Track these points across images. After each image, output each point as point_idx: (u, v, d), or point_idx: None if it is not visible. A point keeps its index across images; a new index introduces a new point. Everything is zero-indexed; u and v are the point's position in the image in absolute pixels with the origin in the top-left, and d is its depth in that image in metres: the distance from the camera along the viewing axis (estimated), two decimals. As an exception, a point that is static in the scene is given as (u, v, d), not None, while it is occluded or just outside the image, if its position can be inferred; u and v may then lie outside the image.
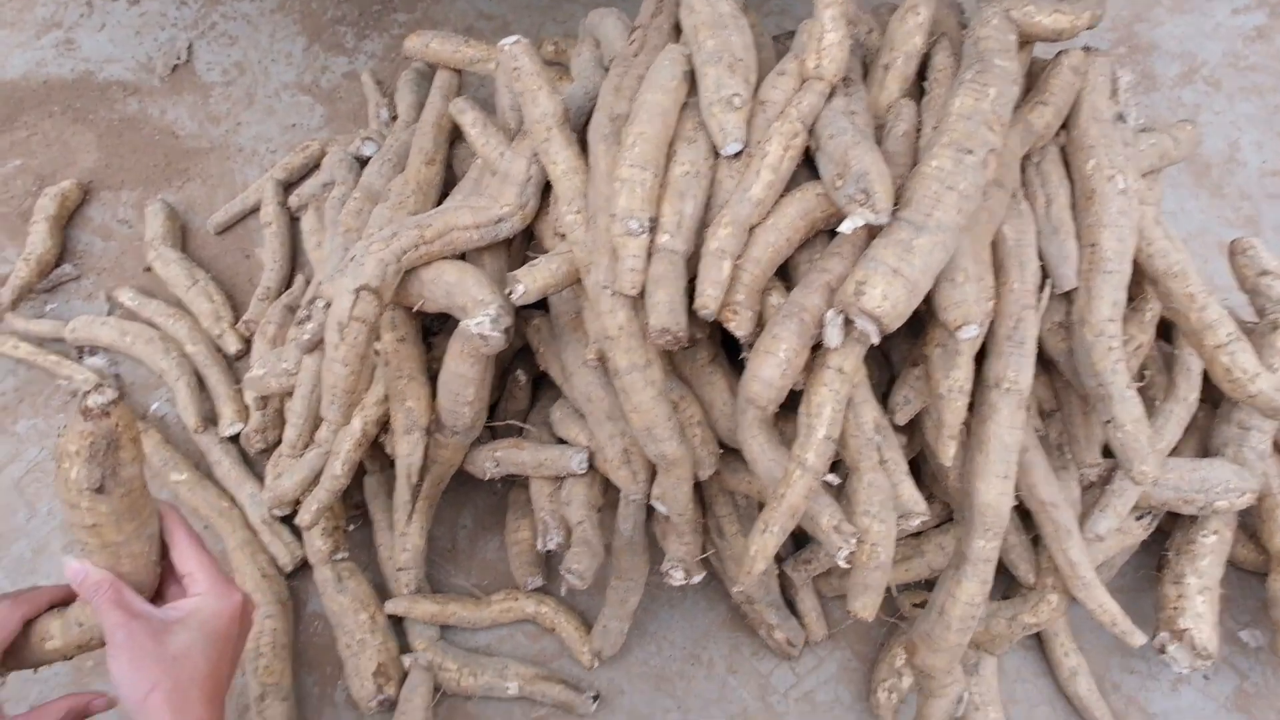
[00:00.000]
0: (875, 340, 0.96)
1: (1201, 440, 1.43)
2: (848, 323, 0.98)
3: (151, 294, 1.76)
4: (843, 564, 1.05)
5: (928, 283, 0.95)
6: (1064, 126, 1.21)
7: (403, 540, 1.32)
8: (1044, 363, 1.31)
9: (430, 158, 1.42)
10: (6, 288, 1.74)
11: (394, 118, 1.87)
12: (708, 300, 0.99)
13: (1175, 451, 1.41)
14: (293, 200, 1.83)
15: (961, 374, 1.06)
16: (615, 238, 1.01)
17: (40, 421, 1.66)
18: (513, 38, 1.16)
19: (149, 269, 1.80)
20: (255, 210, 1.86)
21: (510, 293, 1.14)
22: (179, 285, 1.74)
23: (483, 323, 1.14)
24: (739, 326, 1.02)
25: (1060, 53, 1.20)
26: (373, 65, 2.04)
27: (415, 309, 1.25)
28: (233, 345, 1.69)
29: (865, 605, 1.08)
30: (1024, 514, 1.30)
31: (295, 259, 1.81)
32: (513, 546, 1.49)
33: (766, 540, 1.00)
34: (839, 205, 0.99)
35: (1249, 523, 1.45)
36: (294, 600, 1.48)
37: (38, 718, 0.90)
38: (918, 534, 1.39)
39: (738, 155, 1.08)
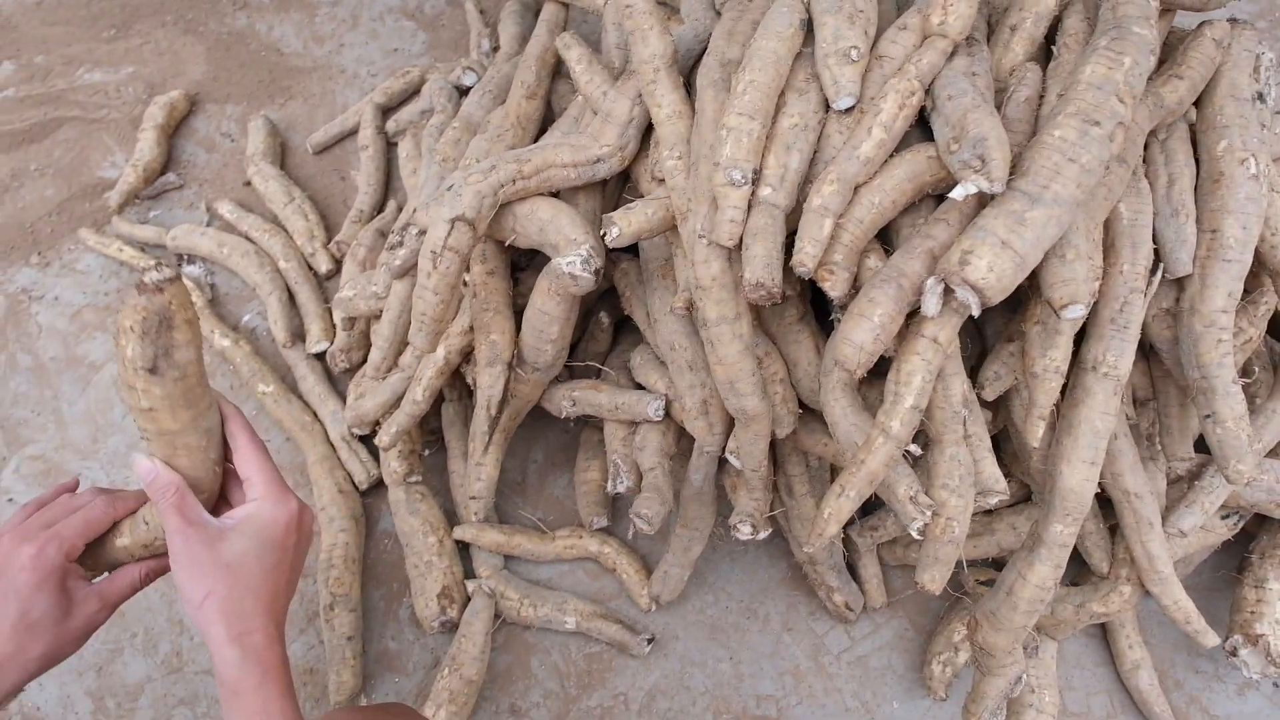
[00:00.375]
0: (975, 312, 0.93)
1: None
2: (948, 292, 0.95)
3: (249, 208, 1.80)
4: (915, 535, 1.03)
5: (1037, 257, 0.92)
6: (1197, 103, 1.15)
7: (477, 470, 1.34)
8: (1143, 349, 1.27)
9: (532, 92, 1.41)
10: (115, 192, 1.80)
11: (495, 49, 1.86)
12: (806, 258, 0.97)
13: (1273, 453, 1.36)
14: (390, 125, 1.84)
15: (1059, 354, 1.02)
16: (717, 187, 1.00)
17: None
18: (628, -27, 1.14)
19: (248, 183, 1.84)
20: (353, 133, 1.88)
21: (604, 234, 1.14)
22: (276, 202, 1.78)
23: (574, 262, 1.14)
24: (834, 287, 1.01)
25: (1203, 23, 1.14)
26: (477, -6, 2.04)
27: (507, 243, 1.25)
28: (324, 264, 1.72)
29: (934, 578, 1.06)
30: (1104, 501, 1.27)
31: (389, 184, 1.83)
32: (581, 485, 1.51)
33: (841, 504, 0.99)
34: (951, 170, 0.96)
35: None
36: (366, 517, 1.52)
37: (116, 581, 0.92)
38: (989, 512, 1.37)
39: (849, 110, 1.05)
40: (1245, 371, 1.36)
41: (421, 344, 1.24)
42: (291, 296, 1.71)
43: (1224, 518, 1.33)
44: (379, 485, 1.55)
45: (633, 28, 1.13)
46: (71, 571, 0.87)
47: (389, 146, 1.85)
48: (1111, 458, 1.18)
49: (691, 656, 1.44)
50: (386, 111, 1.88)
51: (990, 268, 0.90)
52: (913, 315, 1.01)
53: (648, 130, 1.23)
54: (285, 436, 1.61)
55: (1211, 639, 1.24)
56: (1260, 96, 1.17)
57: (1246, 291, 1.26)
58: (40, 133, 1.92)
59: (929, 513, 1.03)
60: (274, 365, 1.66)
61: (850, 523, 1.42)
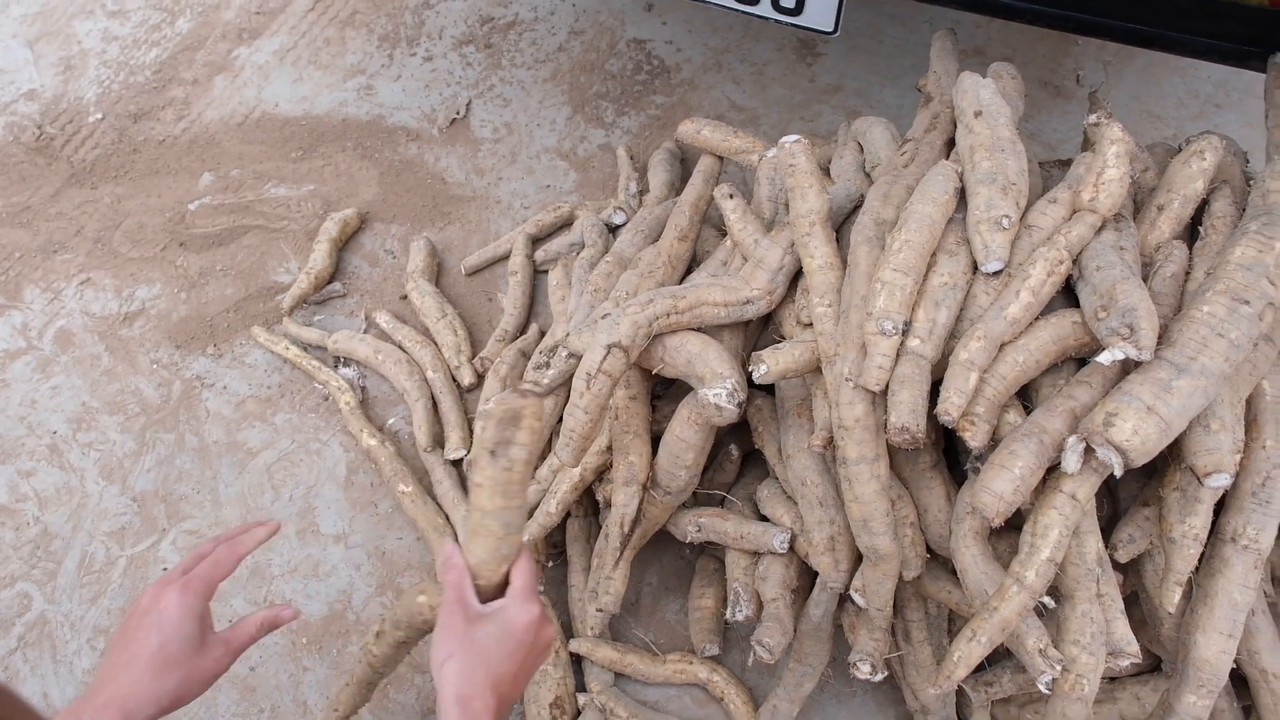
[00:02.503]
0: (1118, 473, 0.96)
1: None
2: (1089, 451, 0.99)
3: (404, 320, 1.95)
4: (1044, 689, 1.04)
5: (1182, 425, 0.96)
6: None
7: (607, 583, 1.39)
8: (1282, 527, 1.26)
9: (685, 234, 1.52)
10: (287, 295, 1.97)
11: (642, 192, 2.00)
12: (951, 407, 1.02)
13: None
14: (539, 254, 1.98)
15: (1199, 521, 1.04)
16: (868, 335, 1.07)
17: (295, 417, 1.86)
18: (793, 136, 1.26)
19: (405, 297, 1.99)
20: (504, 258, 2.03)
21: (752, 370, 1.21)
22: (430, 316, 1.92)
23: (720, 394, 1.21)
24: (974, 438, 1.05)
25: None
26: (627, 140, 2.20)
27: (654, 372, 1.34)
28: (468, 377, 1.84)
29: (1062, 737, 1.06)
30: (1237, 680, 1.24)
31: (533, 308, 1.95)
32: (695, 611, 1.54)
33: (972, 649, 1.01)
34: (1099, 336, 1.01)
35: None
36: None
37: (239, 629, 1.05)
38: (1113, 679, 1.35)
39: (997, 274, 1.11)
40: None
41: (567, 458, 1.31)
42: (435, 405, 1.82)
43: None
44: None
45: (793, 185, 1.23)
46: (206, 615, 1.01)
47: (536, 274, 1.99)
48: (1249, 634, 1.16)
49: (795, 799, 1.43)
50: (536, 241, 2.03)
51: (1135, 431, 0.94)
52: (1051, 471, 1.04)
53: (794, 278, 1.32)
54: (417, 536, 1.70)
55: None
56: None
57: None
58: (228, 238, 2.12)
59: (1058, 667, 1.04)
60: (413, 467, 1.76)
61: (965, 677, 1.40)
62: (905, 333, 1.07)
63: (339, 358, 1.92)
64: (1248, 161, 1.28)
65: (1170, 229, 1.15)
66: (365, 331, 1.96)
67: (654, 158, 1.98)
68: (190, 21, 2.57)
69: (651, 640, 1.58)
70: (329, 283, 2.03)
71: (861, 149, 1.44)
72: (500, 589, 1.04)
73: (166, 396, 1.90)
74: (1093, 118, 1.16)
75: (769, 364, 1.19)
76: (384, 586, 1.67)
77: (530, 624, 0.98)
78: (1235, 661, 1.18)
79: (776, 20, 1.48)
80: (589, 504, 1.62)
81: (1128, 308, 0.97)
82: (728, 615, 1.37)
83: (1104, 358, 0.98)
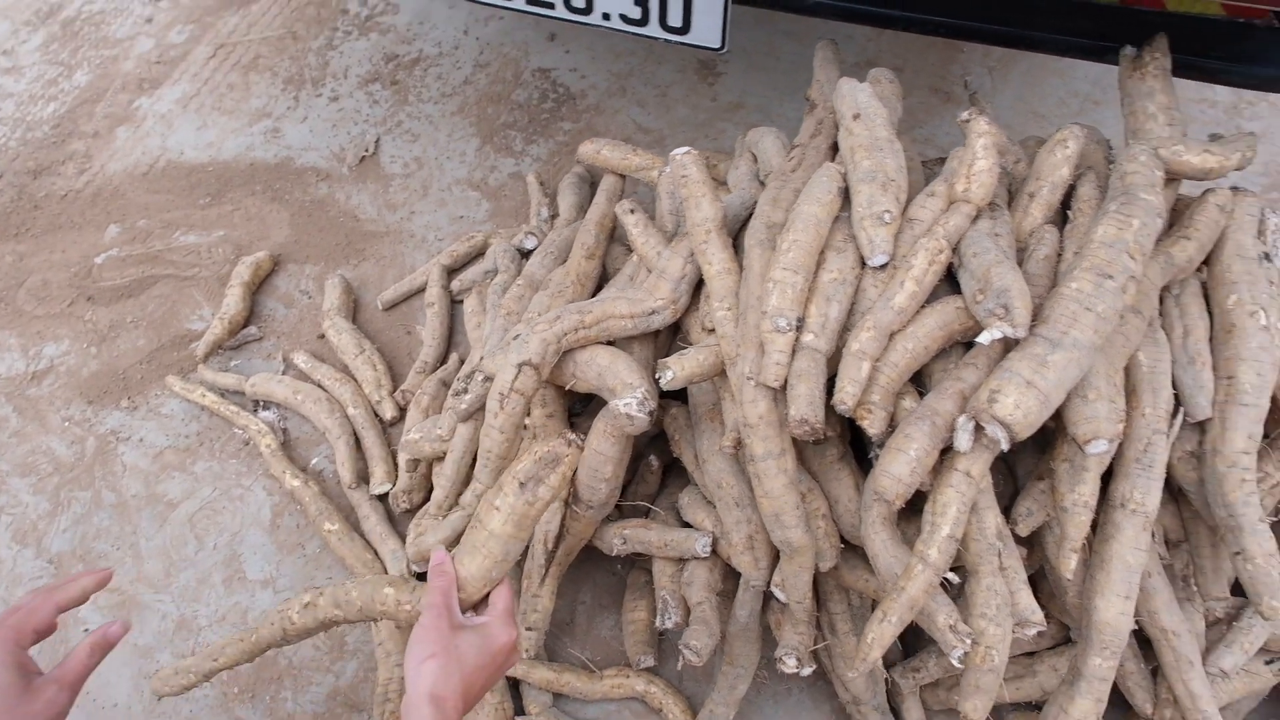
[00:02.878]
0: (1005, 447, 1.01)
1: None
2: (978, 429, 1.03)
3: (322, 359, 1.94)
4: (957, 663, 1.07)
5: (1060, 396, 1.00)
6: (1206, 261, 1.25)
7: (534, 601, 1.39)
8: (1173, 492, 1.32)
9: (591, 252, 1.55)
10: (201, 343, 1.95)
11: (553, 216, 2.03)
12: (846, 396, 1.06)
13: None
14: (455, 284, 1.99)
15: (1087, 489, 1.09)
16: (764, 333, 1.10)
17: (216, 464, 1.83)
18: (684, 149, 1.30)
19: (322, 336, 1.98)
20: (420, 291, 2.03)
21: (659, 377, 1.24)
22: (347, 352, 1.91)
23: (630, 404, 1.23)
24: (872, 425, 1.09)
25: (1207, 190, 1.25)
26: (537, 167, 2.23)
27: (567, 388, 1.36)
28: (389, 411, 1.84)
29: (976, 707, 1.09)
30: (1144, 643, 1.29)
31: (452, 338, 1.96)
32: (628, 625, 1.55)
33: (884, 629, 1.04)
34: (979, 318, 1.06)
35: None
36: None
37: (69, 663, 1.05)
38: (1031, 653, 1.39)
39: (883, 267, 1.16)
40: (1277, 512, 1.40)
41: (486, 480, 1.32)
42: (358, 441, 1.81)
43: (1268, 663, 1.34)
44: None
45: (687, 195, 1.27)
46: (27, 663, 1.02)
47: (453, 304, 2.00)
48: (1147, 596, 1.21)
49: (738, 801, 1.44)
50: (451, 272, 2.04)
51: (1017, 405, 0.98)
52: (946, 452, 1.08)
53: (698, 286, 1.35)
54: (347, 573, 1.68)
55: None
56: (1267, 256, 1.27)
57: (1268, 435, 1.32)
58: (138, 289, 2.10)
59: (969, 641, 1.07)
60: (339, 505, 1.75)
61: (893, 664, 1.44)
62: (800, 329, 1.11)
63: (258, 401, 1.90)
64: (1111, 148, 1.35)
65: (1042, 214, 1.21)
66: (284, 373, 1.95)
67: (563, 182, 2.01)
68: (88, 74, 2.54)
69: (588, 658, 1.59)
70: (244, 327, 2.01)
71: (755, 159, 1.49)
72: (475, 607, 1.11)
73: (80, 454, 1.86)
74: (964, 114, 1.22)
75: (674, 369, 1.22)
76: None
77: (508, 645, 1.06)
78: (1138, 623, 1.24)
79: (665, 39, 1.52)
80: (517, 527, 1.63)
81: (1001, 289, 1.02)
82: (657, 623, 1.39)
83: (983, 338, 1.02)
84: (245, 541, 1.74)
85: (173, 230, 2.20)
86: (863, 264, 1.17)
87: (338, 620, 1.20)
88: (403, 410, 1.85)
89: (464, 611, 1.09)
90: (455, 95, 2.41)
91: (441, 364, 1.91)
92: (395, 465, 1.78)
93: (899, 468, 1.04)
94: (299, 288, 2.09)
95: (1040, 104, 2.25)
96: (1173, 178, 1.22)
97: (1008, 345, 1.06)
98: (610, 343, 1.37)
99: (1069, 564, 1.10)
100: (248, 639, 1.28)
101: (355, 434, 1.82)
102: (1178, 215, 1.26)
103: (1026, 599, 1.12)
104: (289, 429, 1.88)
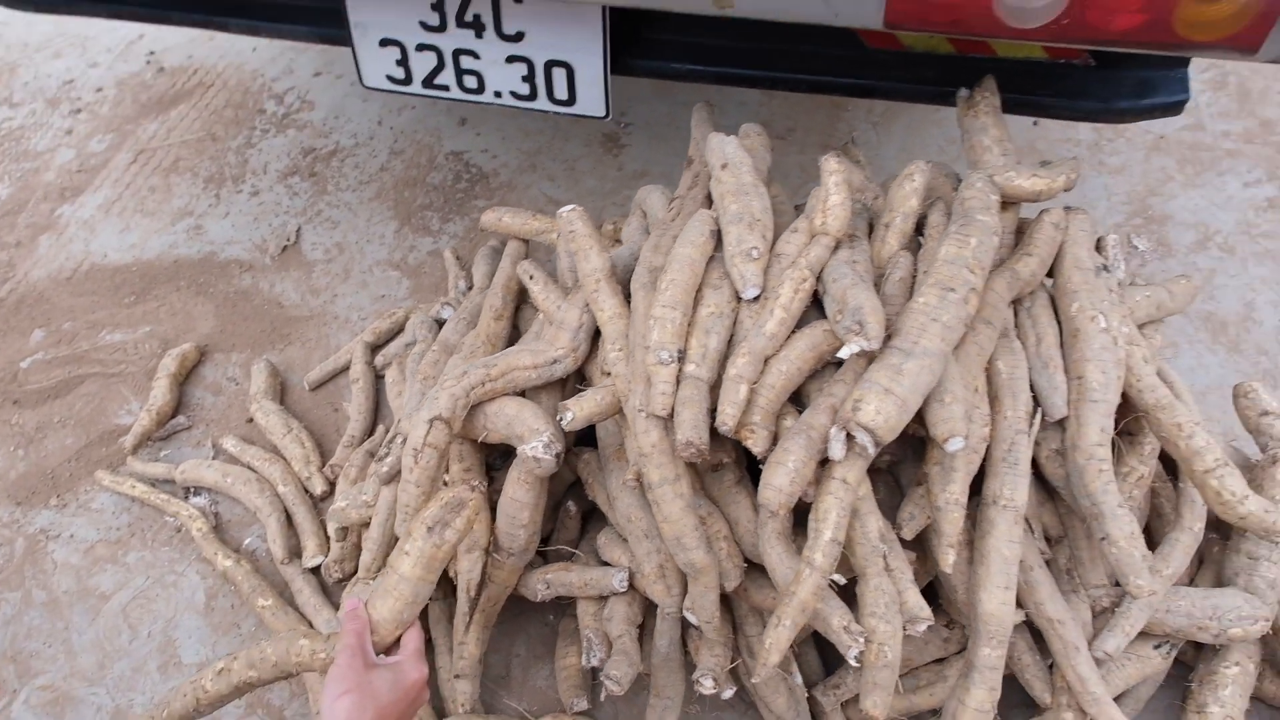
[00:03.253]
0: (872, 451, 1.09)
1: (1218, 574, 1.49)
2: (850, 438, 1.12)
3: (251, 441, 1.98)
4: (854, 662, 1.14)
5: (917, 401, 1.10)
6: (1051, 274, 1.38)
7: (460, 649, 1.44)
8: (1049, 491, 1.42)
9: (499, 314, 1.63)
10: (130, 435, 1.98)
11: (470, 288, 2.11)
12: (726, 417, 1.15)
13: (1194, 585, 1.48)
14: (378, 360, 2.06)
15: (957, 487, 1.18)
16: (649, 366, 1.19)
17: (148, 553, 1.85)
18: (569, 206, 1.40)
19: (250, 420, 2.03)
20: (345, 369, 2.10)
21: (561, 419, 1.31)
22: (275, 432, 1.96)
23: (536, 447, 1.31)
24: (756, 444, 1.17)
25: (1042, 211, 1.38)
26: (454, 244, 2.32)
27: (480, 440, 1.43)
28: (319, 486, 1.88)
29: (876, 703, 1.16)
30: (1039, 638, 1.37)
31: (378, 411, 2.02)
32: (561, 670, 1.59)
33: (779, 634, 1.11)
34: (839, 336, 1.16)
35: (1276, 660, 1.48)
36: None
37: None
38: (940, 660, 1.46)
39: (756, 299, 1.26)
40: (1156, 510, 1.50)
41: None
42: (290, 518, 1.85)
43: (1156, 648, 1.43)
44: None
45: (576, 248, 1.37)
46: None
47: (377, 379, 2.06)
48: (1031, 588, 1.30)
49: (678, 834, 1.47)
50: (375, 348, 2.10)
51: (878, 411, 1.07)
52: (826, 463, 1.17)
53: (596, 335, 1.44)
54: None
55: (1159, 762, 1.30)
56: (1105, 268, 1.40)
57: (1130, 434, 1.43)
58: (64, 389, 2.13)
59: (862, 640, 1.14)
60: (273, 582, 1.77)
61: (814, 684, 1.50)
62: (682, 360, 1.20)
63: (188, 488, 1.93)
64: (959, 180, 1.48)
65: (897, 241, 1.32)
66: (213, 458, 1.99)
67: (477, 255, 2.10)
68: (9, 187, 2.60)
69: (526, 709, 1.62)
70: (172, 417, 2.05)
71: (645, 214, 1.59)
72: (389, 651, 1.18)
73: (9, 555, 1.87)
74: (821, 159, 1.34)
75: (574, 410, 1.30)
76: (254, 705, 1.66)
77: (419, 681, 1.14)
78: (1027, 616, 1.32)
79: (555, 111, 1.64)
80: (448, 587, 1.67)
81: (856, 308, 1.12)
82: (583, 662, 1.44)
83: (843, 352, 1.12)
84: (180, 626, 1.76)
85: (98, 330, 2.24)
86: (738, 298, 1.27)
87: (254, 682, 1.23)
88: (332, 485, 1.90)
89: (378, 654, 1.14)
90: (373, 182, 2.51)
91: (368, 437, 1.96)
92: (326, 538, 1.81)
93: (779, 479, 1.12)
94: (226, 376, 2.14)
95: (923, 152, 2.42)
96: (1009, 201, 1.35)
97: (870, 360, 1.16)
98: (522, 394, 1.45)
99: (947, 559, 1.18)
100: (158, 715, 1.30)
101: (286, 511, 1.85)
102: (1022, 235, 1.39)
103: (914, 597, 1.20)
104: (220, 513, 1.91)
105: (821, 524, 1.12)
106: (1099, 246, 1.43)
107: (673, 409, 1.18)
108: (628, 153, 2.51)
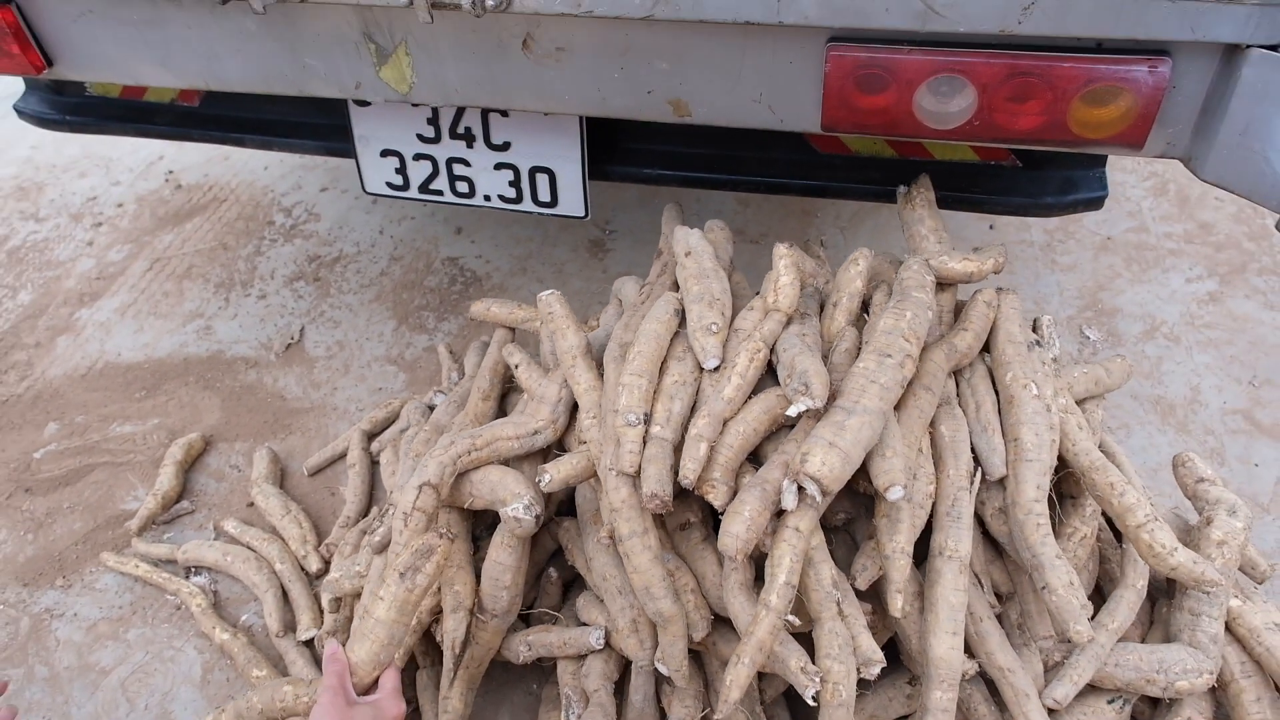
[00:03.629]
0: (820, 500, 1.21)
1: (1166, 634, 1.57)
2: (800, 490, 1.24)
3: (251, 524, 2.08)
4: (810, 701, 1.22)
5: (859, 454, 1.22)
6: (988, 348, 1.51)
7: (445, 703, 1.50)
8: (997, 550, 1.52)
9: (486, 394, 1.76)
10: (135, 518, 2.08)
11: (461, 378, 2.25)
12: (688, 472, 1.26)
13: (1146, 643, 1.56)
14: (374, 446, 2.18)
15: (903, 538, 1.28)
16: (618, 429, 1.31)
17: (148, 630, 1.93)
18: (549, 290, 1.54)
19: (252, 504, 2.13)
20: (343, 456, 2.21)
21: (540, 481, 1.43)
22: (274, 514, 2.06)
23: (518, 508, 1.42)
24: (716, 498, 1.28)
25: (976, 291, 1.53)
26: (448, 340, 2.47)
27: (466, 506, 1.53)
28: (314, 564, 1.97)
29: (835, 743, 1.23)
30: (994, 690, 1.45)
31: (373, 495, 2.12)
32: (545, 735, 1.65)
33: (739, 671, 1.19)
34: (789, 397, 1.28)
35: (1226, 715, 1.55)
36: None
37: None
38: (905, 717, 1.53)
39: (716, 369, 1.39)
40: (1108, 573, 1.60)
41: (395, 594, 1.47)
42: (286, 595, 1.93)
43: (1109, 703, 1.50)
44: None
45: (554, 329, 1.51)
46: None
47: (373, 465, 2.17)
48: (981, 639, 1.39)
49: None
50: (372, 436, 2.22)
51: (823, 462, 1.19)
52: (780, 516, 1.28)
53: (574, 410, 1.57)
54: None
55: (1110, 805, 1.36)
56: (1039, 344, 1.54)
57: (1073, 497, 1.54)
58: (75, 477, 2.24)
59: (818, 680, 1.23)
60: (268, 655, 1.85)
61: (785, 741, 1.56)
62: (648, 423, 1.32)
63: (189, 568, 2.02)
64: (901, 264, 1.63)
65: (844, 318, 1.46)
66: (215, 539, 2.08)
67: (469, 349, 2.24)
68: (31, 293, 2.77)
69: (510, 775, 1.67)
70: (176, 502, 2.15)
71: (620, 302, 1.74)
72: (368, 691, 1.28)
73: (14, 634, 1.94)
74: (774, 246, 1.49)
75: (551, 473, 1.41)
76: None
77: (397, 717, 1.24)
78: (980, 666, 1.40)
79: (538, 212, 1.81)
80: (435, 654, 1.75)
81: (802, 371, 1.25)
82: (562, 718, 1.50)
83: (791, 410, 1.25)
84: (176, 699, 1.82)
85: (109, 423, 2.37)
86: (700, 369, 1.40)
87: None
88: (327, 563, 1.99)
89: (358, 694, 1.23)
90: (373, 285, 2.68)
91: (363, 517, 2.06)
92: (321, 613, 1.89)
93: (737, 527, 1.22)
94: (229, 463, 2.25)
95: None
96: (945, 282, 1.50)
97: (818, 419, 1.28)
98: (505, 463, 1.56)
99: (896, 603, 1.27)
100: None
101: (283, 587, 1.94)
102: (959, 313, 1.53)
103: (867, 641, 1.29)
104: (220, 591, 1.99)
105: (777, 568, 1.22)
106: (1035, 327, 1.57)
107: (640, 467, 1.30)
108: (612, 256, 2.69)
